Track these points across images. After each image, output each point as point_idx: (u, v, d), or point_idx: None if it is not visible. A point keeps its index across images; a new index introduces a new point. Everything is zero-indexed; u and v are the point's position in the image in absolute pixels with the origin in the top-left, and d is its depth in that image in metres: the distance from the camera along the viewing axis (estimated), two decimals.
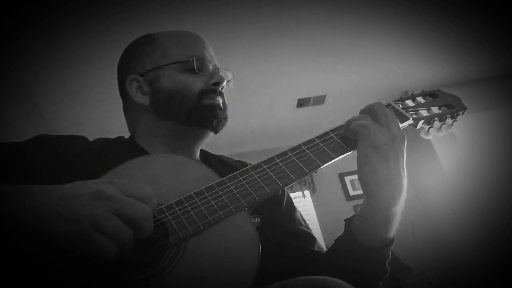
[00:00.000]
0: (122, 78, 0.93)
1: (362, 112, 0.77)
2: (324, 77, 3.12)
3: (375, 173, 0.69)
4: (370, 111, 0.75)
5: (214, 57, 0.94)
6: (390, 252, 0.76)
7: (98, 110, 2.90)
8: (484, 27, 2.75)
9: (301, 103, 3.40)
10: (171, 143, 0.88)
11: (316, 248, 0.88)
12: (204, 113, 0.85)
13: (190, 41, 0.91)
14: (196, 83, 0.86)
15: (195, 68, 0.86)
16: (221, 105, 0.88)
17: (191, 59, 0.86)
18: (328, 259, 0.82)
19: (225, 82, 0.89)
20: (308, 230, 0.92)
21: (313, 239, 0.90)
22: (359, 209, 0.76)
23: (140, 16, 2.13)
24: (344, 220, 0.80)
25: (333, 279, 0.58)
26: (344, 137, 0.76)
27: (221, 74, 0.90)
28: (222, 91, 0.90)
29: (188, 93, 0.85)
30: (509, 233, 2.84)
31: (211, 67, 0.89)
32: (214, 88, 0.87)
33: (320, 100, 3.40)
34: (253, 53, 2.68)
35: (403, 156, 0.72)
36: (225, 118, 0.89)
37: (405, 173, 0.72)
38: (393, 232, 0.74)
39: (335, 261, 0.78)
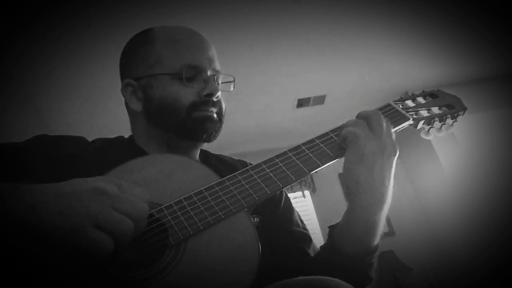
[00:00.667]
0: (121, 78, 0.93)
1: (359, 116, 0.76)
2: (324, 77, 3.11)
3: (358, 182, 0.70)
4: (365, 118, 0.74)
5: (215, 58, 0.90)
6: (374, 259, 0.76)
7: (98, 110, 2.90)
8: (484, 27, 2.75)
9: (301, 103, 3.40)
10: (164, 149, 0.88)
11: (311, 249, 0.88)
12: (194, 126, 0.83)
13: (185, 47, 0.87)
14: (187, 95, 0.83)
15: (184, 81, 0.83)
16: (214, 115, 0.85)
17: (182, 71, 0.83)
18: (315, 263, 0.82)
19: (219, 92, 0.86)
20: (305, 231, 0.92)
21: (308, 240, 0.90)
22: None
23: (140, 16, 2.13)
24: (328, 227, 0.79)
25: (333, 279, 0.58)
26: None
27: (217, 82, 0.87)
28: (217, 100, 0.86)
29: (179, 106, 0.82)
30: (509, 233, 2.84)
31: (205, 76, 0.85)
32: (206, 100, 0.84)
33: (320, 100, 3.40)
34: (253, 53, 2.68)
35: (391, 168, 0.72)
36: (217, 129, 0.86)
37: (391, 184, 0.72)
38: (376, 240, 0.74)
39: (320, 267, 0.78)
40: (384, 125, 0.73)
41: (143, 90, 0.86)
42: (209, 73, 0.86)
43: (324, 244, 0.80)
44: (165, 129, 0.85)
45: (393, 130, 0.79)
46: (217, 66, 0.90)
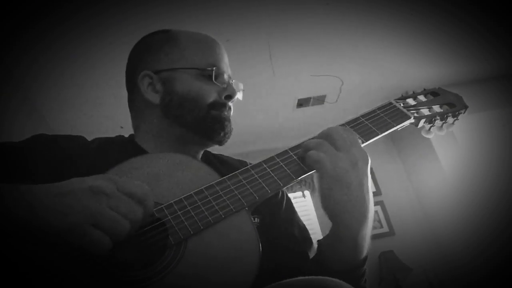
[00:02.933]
0: (132, 71, 0.92)
1: (319, 136, 0.73)
2: (324, 77, 3.11)
3: (338, 203, 0.67)
4: (327, 137, 0.71)
5: (228, 65, 0.92)
6: (364, 270, 0.75)
7: (98, 110, 2.90)
8: (484, 27, 2.75)
9: (301, 103, 3.40)
10: (174, 145, 0.88)
11: (311, 252, 0.87)
12: (212, 124, 0.85)
13: (208, 48, 0.90)
14: (210, 93, 0.85)
15: (213, 78, 0.85)
16: (229, 117, 0.88)
17: (209, 68, 0.85)
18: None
19: (236, 96, 0.89)
20: (306, 234, 0.92)
21: (309, 242, 0.90)
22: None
23: (140, 16, 2.13)
24: (317, 241, 0.79)
25: (333, 279, 0.58)
26: None
27: (233, 86, 0.89)
28: (231, 105, 0.89)
29: (201, 102, 0.84)
30: (509, 233, 2.84)
31: (226, 78, 0.88)
32: (224, 102, 0.87)
33: (320, 100, 3.40)
34: (253, 53, 2.68)
35: (367, 177, 0.69)
36: (231, 130, 0.88)
37: (370, 194, 0.70)
38: (363, 253, 0.73)
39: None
40: (348, 137, 0.70)
41: (163, 83, 0.87)
42: (225, 76, 0.88)
43: (313, 258, 0.79)
44: (182, 124, 0.86)
45: (394, 128, 0.79)
46: (230, 72, 0.92)
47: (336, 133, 0.71)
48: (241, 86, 0.93)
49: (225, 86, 0.87)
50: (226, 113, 0.87)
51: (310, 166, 0.69)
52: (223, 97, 0.86)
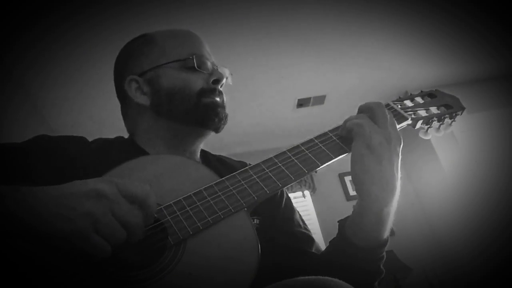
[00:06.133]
0: (119, 80, 0.93)
1: (360, 109, 0.77)
2: (324, 77, 3.11)
3: (368, 172, 0.69)
4: (368, 110, 0.75)
5: (211, 54, 0.93)
6: (384, 253, 0.75)
7: (98, 110, 2.90)
8: (484, 27, 2.75)
9: (301, 103, 3.40)
10: (172, 142, 0.88)
11: (314, 250, 0.87)
12: (205, 112, 0.85)
13: (187, 39, 0.91)
14: (196, 81, 0.85)
15: (195, 66, 0.85)
16: (221, 103, 0.87)
17: (191, 57, 0.86)
18: (323, 260, 0.82)
19: (224, 80, 0.88)
20: (307, 232, 0.92)
21: (311, 240, 0.90)
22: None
23: (140, 17, 2.13)
24: (338, 221, 0.79)
25: (333, 279, 0.58)
26: (342, 137, 0.76)
27: (219, 71, 0.89)
28: (222, 89, 0.89)
29: (189, 92, 0.85)
30: (509, 233, 2.84)
31: (209, 64, 0.88)
32: (214, 87, 0.86)
33: (320, 100, 3.40)
34: (253, 53, 2.68)
35: (398, 157, 0.72)
36: (226, 116, 0.88)
37: (399, 174, 0.71)
38: (386, 233, 0.74)
39: (329, 262, 0.78)
40: (387, 115, 0.74)
41: (149, 84, 0.87)
42: (209, 63, 0.88)
43: (334, 238, 0.80)
44: (175, 119, 0.86)
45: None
46: (214, 60, 0.92)
47: (378, 108, 0.74)
48: (227, 71, 0.93)
49: (210, 72, 0.87)
50: (217, 98, 0.87)
51: (350, 131, 0.72)
52: (210, 83, 0.86)
